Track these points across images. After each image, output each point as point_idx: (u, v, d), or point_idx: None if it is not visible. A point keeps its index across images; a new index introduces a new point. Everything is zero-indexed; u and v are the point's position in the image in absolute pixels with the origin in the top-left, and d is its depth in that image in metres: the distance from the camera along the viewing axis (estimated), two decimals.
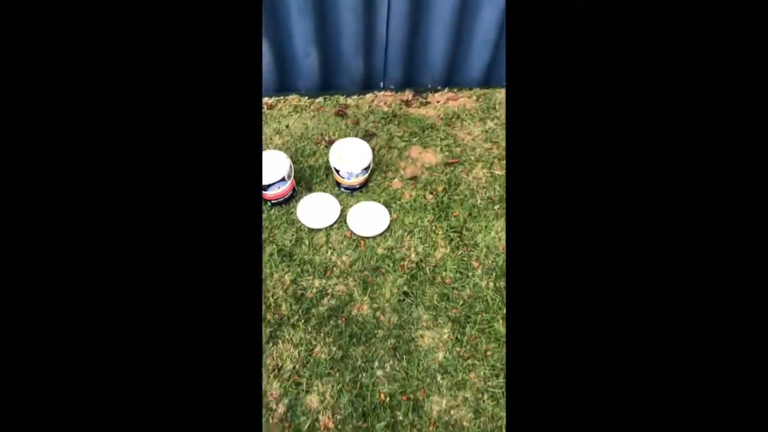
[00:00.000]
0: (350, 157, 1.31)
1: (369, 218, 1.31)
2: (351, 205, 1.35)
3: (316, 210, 1.32)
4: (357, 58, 1.61)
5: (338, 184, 1.38)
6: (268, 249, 1.25)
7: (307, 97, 1.70)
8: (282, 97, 1.69)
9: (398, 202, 1.36)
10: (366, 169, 1.31)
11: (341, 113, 1.65)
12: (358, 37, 1.55)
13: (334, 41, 1.57)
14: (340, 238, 1.28)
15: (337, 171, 1.31)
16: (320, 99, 1.70)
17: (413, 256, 1.25)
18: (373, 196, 1.38)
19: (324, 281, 1.19)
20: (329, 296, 1.17)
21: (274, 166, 1.39)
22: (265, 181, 1.23)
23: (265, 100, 1.69)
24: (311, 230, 1.28)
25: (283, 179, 1.26)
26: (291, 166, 1.30)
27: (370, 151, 1.32)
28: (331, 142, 1.44)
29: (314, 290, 1.18)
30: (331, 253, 1.25)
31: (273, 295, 1.16)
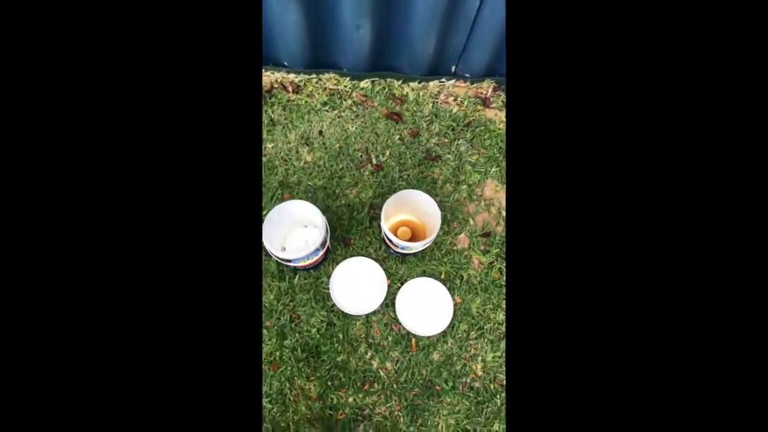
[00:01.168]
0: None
1: (425, 305, 0.96)
2: (401, 280, 0.99)
3: (355, 285, 0.96)
4: (428, 37, 1.09)
5: (387, 245, 1.00)
6: (287, 341, 0.93)
7: (349, 78, 1.21)
8: (315, 76, 1.20)
9: (464, 274, 1.00)
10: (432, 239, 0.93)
11: (395, 116, 1.17)
12: (435, 13, 1.01)
13: (400, 14, 1.03)
14: (385, 331, 0.95)
15: (391, 241, 0.92)
16: (366, 83, 1.21)
17: (479, 369, 0.93)
18: (431, 263, 1.01)
19: (361, 398, 0.90)
20: (366, 422, 0.89)
21: (303, 232, 1.00)
22: (289, 255, 0.87)
23: (291, 77, 1.20)
24: (346, 316, 0.95)
25: (316, 250, 0.89)
26: (327, 230, 0.92)
27: (438, 215, 0.91)
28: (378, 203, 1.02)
29: (347, 410, 0.89)
30: (372, 355, 0.93)
31: (294, 415, 0.88)
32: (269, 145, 1.12)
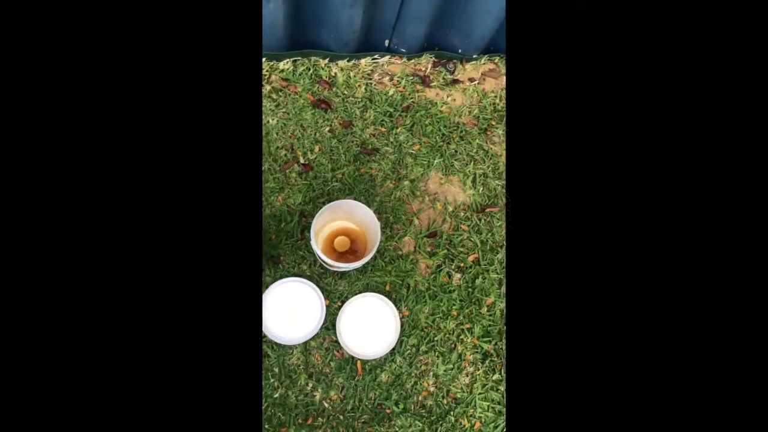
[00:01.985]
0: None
1: (368, 324, 0.87)
2: (341, 298, 0.89)
3: (288, 310, 0.85)
4: (352, 7, 0.91)
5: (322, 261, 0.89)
6: None
7: (265, 59, 1.02)
8: None
9: (411, 281, 0.91)
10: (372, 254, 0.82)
11: (323, 104, 1.01)
12: None
13: None
14: (326, 357, 0.85)
15: (325, 261, 0.81)
16: (287, 63, 1.03)
17: (431, 385, 0.87)
18: (374, 274, 0.91)
19: None
20: None
21: None
22: None
23: None
24: (281, 346, 0.84)
25: None
26: None
27: (377, 227, 0.80)
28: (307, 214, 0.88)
29: None
30: (314, 386, 0.84)
31: None
32: None
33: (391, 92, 1.06)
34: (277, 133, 0.97)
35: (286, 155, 0.96)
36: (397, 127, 1.02)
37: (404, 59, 1.09)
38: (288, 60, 1.03)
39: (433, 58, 1.11)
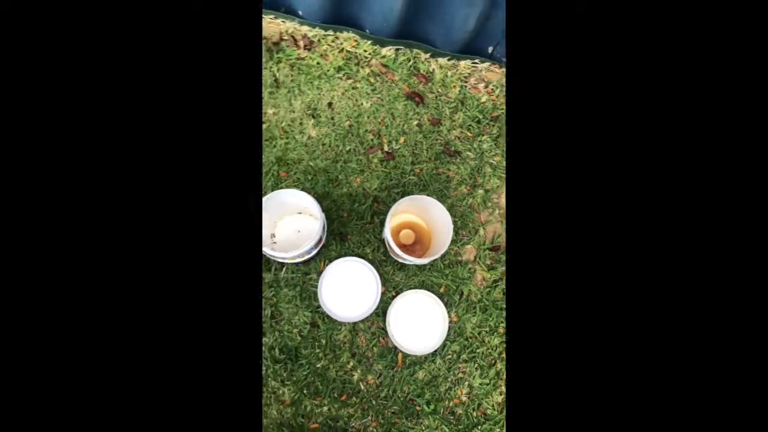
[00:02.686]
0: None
1: (418, 320, 0.88)
2: (396, 289, 0.90)
3: (346, 288, 0.87)
4: (472, 8, 0.91)
5: (387, 248, 0.90)
6: (265, 339, 0.85)
7: (370, 42, 1.03)
8: (332, 33, 1.02)
9: (465, 289, 0.92)
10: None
11: (416, 98, 1.02)
12: None
13: None
14: (371, 342, 0.87)
15: (393, 249, 0.82)
16: (390, 50, 1.04)
17: (464, 395, 0.87)
18: (431, 274, 0.92)
19: (336, 408, 0.84)
20: None
21: (296, 219, 0.88)
22: (279, 253, 0.76)
23: (304, 29, 1.02)
24: (331, 320, 0.87)
25: (309, 249, 0.78)
26: (324, 228, 0.80)
27: (450, 231, 0.81)
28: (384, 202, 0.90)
29: (320, 420, 0.83)
30: (354, 366, 0.86)
31: (264, 418, 0.82)
32: (270, 111, 0.96)
33: (483, 99, 1.05)
34: (368, 117, 0.99)
35: (372, 140, 0.97)
36: (482, 135, 1.02)
37: (503, 69, 1.08)
38: (391, 47, 1.04)
39: None
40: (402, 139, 0.99)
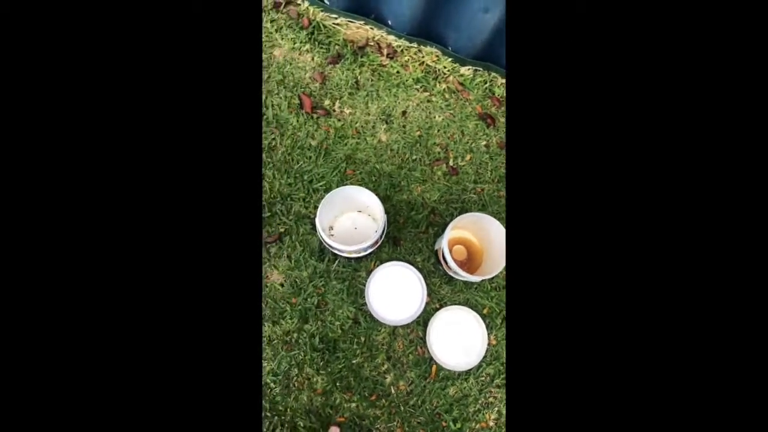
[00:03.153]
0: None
1: (457, 337, 0.88)
2: (440, 302, 0.91)
3: (392, 291, 0.88)
4: None
5: (438, 260, 0.91)
6: (307, 326, 0.88)
7: (450, 60, 1.06)
8: (416, 45, 1.06)
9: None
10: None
11: (488, 119, 1.04)
12: None
13: None
14: (408, 348, 0.88)
15: (446, 261, 0.83)
16: (468, 70, 1.06)
17: (491, 420, 0.86)
18: (477, 294, 0.92)
19: (365, 407, 0.85)
20: None
21: (354, 216, 0.91)
22: (337, 245, 0.79)
23: (390, 39, 1.06)
24: (373, 320, 0.88)
25: (366, 248, 0.80)
26: (384, 230, 0.83)
27: (504, 249, 0.81)
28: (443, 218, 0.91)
29: (347, 415, 0.85)
30: (388, 369, 0.87)
31: (294, 402, 0.85)
32: (347, 111, 1.01)
33: None
34: (438, 130, 1.01)
35: (439, 152, 1.00)
36: None
37: None
38: (470, 67, 1.06)
39: None
40: (468, 157, 1.00)
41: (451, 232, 0.92)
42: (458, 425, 0.84)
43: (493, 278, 0.92)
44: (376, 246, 0.85)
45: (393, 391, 0.86)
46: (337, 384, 0.85)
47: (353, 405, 0.85)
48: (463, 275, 0.81)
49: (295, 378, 0.85)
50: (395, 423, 0.84)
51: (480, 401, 0.86)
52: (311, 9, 1.05)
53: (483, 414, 0.86)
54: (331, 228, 0.91)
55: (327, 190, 0.90)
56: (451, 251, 0.92)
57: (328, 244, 0.79)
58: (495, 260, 0.84)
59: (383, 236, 0.85)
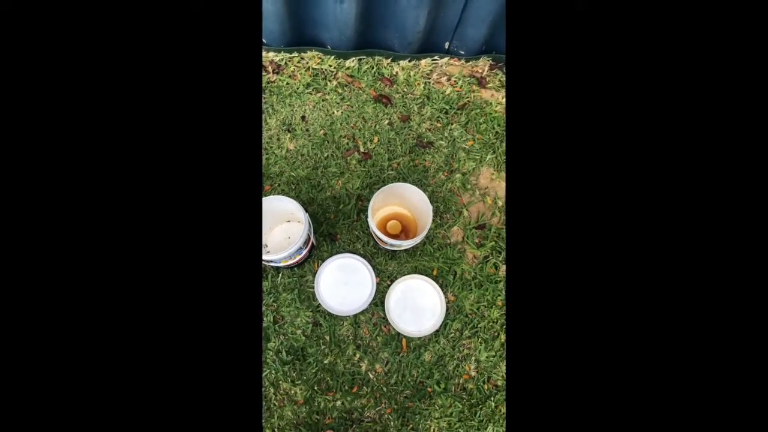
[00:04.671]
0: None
1: (416, 304, 0.90)
2: (390, 278, 0.93)
3: (342, 284, 0.90)
4: (419, 10, 0.98)
5: (376, 240, 0.94)
6: (271, 344, 0.88)
7: (333, 57, 1.10)
8: (297, 54, 1.10)
9: (458, 269, 0.94)
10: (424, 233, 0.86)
11: (384, 99, 1.08)
12: None
13: None
14: (374, 332, 0.90)
15: (379, 238, 0.86)
16: (353, 61, 1.11)
17: (472, 370, 0.89)
18: (422, 258, 0.95)
19: (349, 401, 0.86)
20: (355, 427, 0.85)
21: (285, 227, 0.93)
22: (270, 256, 0.80)
23: (270, 55, 1.10)
24: (333, 316, 0.89)
25: (299, 249, 0.82)
26: (310, 226, 0.84)
27: (430, 210, 0.84)
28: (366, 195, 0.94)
29: (335, 414, 0.85)
30: (361, 357, 0.88)
31: (279, 420, 0.84)
32: None
33: (448, 91, 1.10)
34: (340, 124, 1.04)
35: (347, 143, 1.03)
36: (452, 124, 1.07)
37: (462, 61, 1.14)
38: (354, 58, 1.11)
39: (490, 61, 1.15)
40: (376, 139, 1.04)
41: (381, 211, 0.95)
42: (443, 386, 0.86)
43: (432, 240, 0.95)
44: (310, 245, 0.87)
45: (372, 376, 0.87)
46: (316, 388, 0.85)
47: (338, 403, 0.85)
48: (398, 243, 0.83)
49: (273, 397, 0.84)
50: (383, 405, 0.85)
51: (456, 357, 0.88)
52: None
53: (462, 367, 0.88)
54: (265, 245, 0.92)
55: None
56: (386, 228, 0.94)
57: (264, 261, 0.80)
58: (424, 221, 0.87)
59: (312, 233, 0.87)
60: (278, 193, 0.97)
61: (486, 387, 0.87)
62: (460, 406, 0.85)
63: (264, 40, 1.09)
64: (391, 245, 0.86)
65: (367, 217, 0.91)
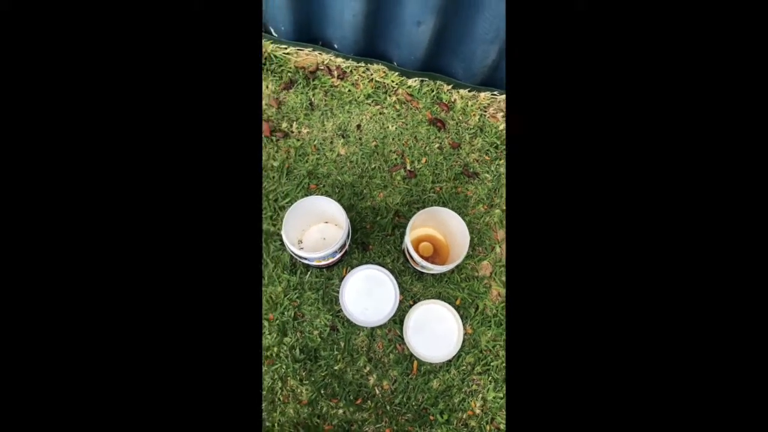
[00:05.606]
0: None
1: (434, 329, 0.90)
2: (413, 298, 0.93)
3: (366, 294, 0.91)
4: (492, 45, 1.00)
5: (406, 258, 0.95)
6: (287, 339, 0.89)
7: (397, 74, 1.13)
8: (363, 64, 1.13)
9: (480, 304, 0.94)
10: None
11: (438, 123, 1.10)
12: (504, 21, 0.92)
13: (467, 17, 0.95)
14: (388, 348, 0.90)
15: (412, 257, 0.86)
16: (415, 81, 1.13)
17: (477, 408, 0.88)
18: (448, 286, 0.95)
19: (351, 412, 0.86)
20: None
21: (322, 227, 0.94)
22: (306, 253, 0.81)
23: (338, 61, 1.13)
24: (351, 324, 0.90)
25: (334, 252, 0.83)
26: (349, 234, 0.86)
27: (467, 241, 0.85)
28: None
29: (334, 423, 0.85)
30: (371, 370, 0.88)
31: (281, 416, 0.85)
32: (304, 131, 1.05)
33: (501, 127, 1.12)
34: (392, 139, 1.06)
35: (396, 159, 1.05)
36: (500, 159, 1.07)
37: None
38: (417, 78, 1.13)
39: None
40: (424, 160, 1.05)
41: (416, 230, 0.96)
42: (445, 416, 0.85)
43: (461, 270, 0.96)
44: (344, 251, 0.88)
45: (378, 391, 0.87)
46: (322, 392, 0.86)
47: (340, 411, 0.85)
48: (429, 266, 0.84)
49: (279, 392, 0.85)
50: (383, 423, 0.85)
51: (464, 390, 0.88)
52: (262, 43, 1.12)
53: (468, 402, 0.87)
54: (300, 242, 0.94)
55: None
56: (417, 249, 0.95)
57: (297, 255, 0.82)
58: (458, 250, 0.87)
59: (349, 239, 0.88)
60: (323, 194, 0.99)
61: (488, 428, 0.86)
62: None
63: (335, 45, 1.13)
64: (422, 267, 0.86)
65: (402, 235, 0.92)
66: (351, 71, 1.13)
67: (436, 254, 0.97)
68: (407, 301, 0.92)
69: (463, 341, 0.90)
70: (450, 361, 0.88)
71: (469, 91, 1.13)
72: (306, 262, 0.86)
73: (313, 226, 0.96)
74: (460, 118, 1.11)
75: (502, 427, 0.86)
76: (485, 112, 1.13)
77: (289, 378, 0.86)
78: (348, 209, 0.98)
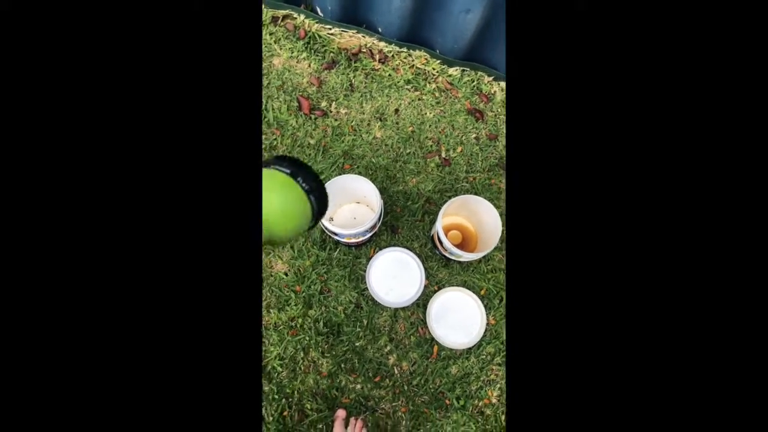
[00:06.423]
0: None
1: (456, 317, 0.91)
2: (438, 284, 0.94)
3: (392, 275, 0.92)
4: None
5: (434, 245, 0.95)
6: (312, 312, 0.91)
7: (439, 62, 1.13)
8: (405, 50, 1.13)
9: (505, 296, 0.94)
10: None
11: (476, 114, 1.09)
12: None
13: None
14: (410, 330, 0.91)
15: (442, 242, 0.87)
16: (456, 70, 1.13)
17: (494, 397, 0.88)
18: (474, 275, 0.95)
19: (369, 388, 0.87)
20: (367, 413, 0.86)
21: (353, 207, 0.96)
22: (338, 229, 0.83)
23: (381, 45, 1.14)
24: (375, 303, 0.91)
25: (365, 231, 0.85)
26: (381, 214, 0.87)
27: (499, 231, 0.85)
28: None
29: (353, 396, 0.87)
30: (391, 350, 0.90)
31: (300, 384, 0.87)
32: (342, 111, 1.07)
33: None
34: (429, 126, 1.07)
35: (431, 146, 1.05)
36: None
37: None
38: (458, 67, 1.13)
39: None
40: (459, 149, 1.05)
41: (447, 218, 0.96)
42: (461, 402, 0.86)
43: (488, 260, 0.96)
44: (374, 231, 0.90)
45: (396, 371, 0.88)
46: (342, 366, 0.87)
47: (358, 386, 0.87)
48: (458, 253, 0.84)
49: (301, 362, 0.87)
50: (399, 402, 0.86)
51: (482, 379, 0.88)
52: (307, 21, 1.13)
53: (485, 391, 0.87)
54: (331, 219, 0.95)
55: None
56: (447, 237, 0.95)
57: (328, 229, 0.84)
58: (487, 239, 0.87)
59: (380, 221, 0.89)
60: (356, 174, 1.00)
61: (503, 418, 0.86)
62: (474, 428, 0.85)
63: (379, 29, 1.13)
64: (451, 253, 0.87)
65: (431, 222, 0.92)
66: (393, 56, 1.13)
67: (464, 243, 0.97)
68: (432, 286, 0.93)
69: (486, 331, 0.90)
70: (470, 348, 0.89)
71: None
72: (336, 237, 0.87)
73: (345, 205, 0.97)
74: (499, 110, 1.10)
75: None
76: None
77: (311, 349, 0.88)
78: (380, 192, 0.99)
